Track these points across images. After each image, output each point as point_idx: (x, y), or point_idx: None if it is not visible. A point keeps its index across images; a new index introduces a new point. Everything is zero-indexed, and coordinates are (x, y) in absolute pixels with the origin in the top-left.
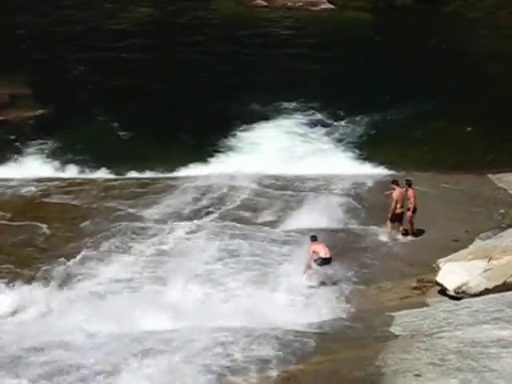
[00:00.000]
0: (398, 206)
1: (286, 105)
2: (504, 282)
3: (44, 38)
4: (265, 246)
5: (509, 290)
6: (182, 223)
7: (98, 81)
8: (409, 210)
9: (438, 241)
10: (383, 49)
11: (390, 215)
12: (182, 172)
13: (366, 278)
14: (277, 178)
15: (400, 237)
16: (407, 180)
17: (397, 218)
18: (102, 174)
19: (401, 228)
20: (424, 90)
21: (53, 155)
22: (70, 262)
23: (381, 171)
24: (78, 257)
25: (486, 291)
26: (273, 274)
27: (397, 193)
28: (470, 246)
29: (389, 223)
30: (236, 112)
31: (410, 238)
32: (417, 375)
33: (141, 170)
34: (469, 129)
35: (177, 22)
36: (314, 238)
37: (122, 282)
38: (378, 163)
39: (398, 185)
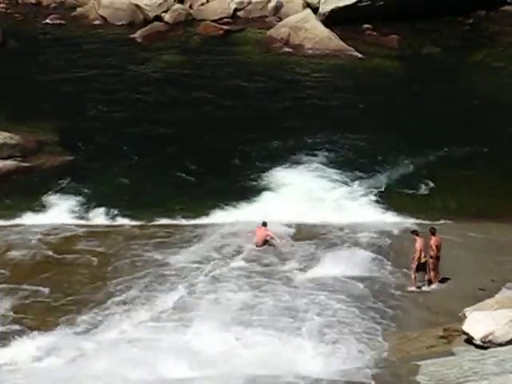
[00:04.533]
0: (422, 255)
1: (311, 151)
2: None
3: (71, 85)
4: (290, 294)
5: None
6: (208, 270)
7: (124, 127)
8: (431, 257)
9: (464, 290)
10: (409, 97)
11: (414, 266)
12: (208, 219)
13: (392, 327)
14: (302, 225)
15: (425, 286)
16: (431, 228)
17: (422, 268)
18: (128, 220)
19: (426, 277)
20: (449, 137)
21: (79, 202)
22: (96, 309)
23: (407, 220)
24: (104, 303)
25: None
26: (298, 322)
27: (420, 242)
28: (497, 296)
29: (414, 273)
30: (260, 158)
31: (434, 286)
32: None
33: (166, 216)
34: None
35: (204, 68)
36: (263, 224)
37: (148, 329)
38: (404, 211)
39: (417, 235)
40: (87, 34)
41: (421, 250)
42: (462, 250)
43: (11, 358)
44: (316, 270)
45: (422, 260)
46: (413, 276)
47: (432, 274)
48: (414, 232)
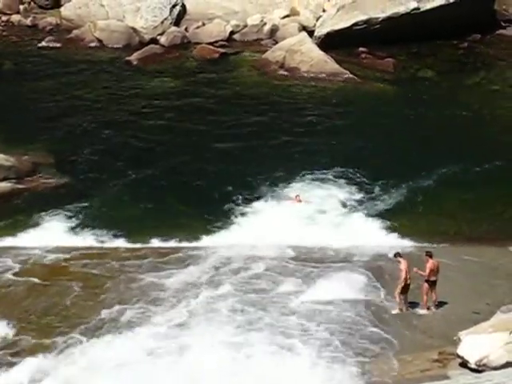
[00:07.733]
0: (408, 276)
1: (307, 175)
2: None
3: (66, 107)
4: (285, 317)
5: None
6: (203, 293)
7: (118, 150)
8: (426, 281)
9: (459, 313)
10: (405, 120)
11: (398, 288)
12: (203, 241)
13: (387, 350)
14: (298, 248)
15: (418, 308)
16: (427, 252)
17: (408, 290)
18: (123, 242)
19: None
20: (447, 160)
21: (73, 224)
22: (92, 331)
23: (402, 242)
24: (99, 326)
25: (508, 364)
26: (292, 344)
27: (404, 264)
28: (491, 319)
29: (398, 296)
30: (256, 181)
31: (423, 311)
32: None
33: (161, 239)
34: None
35: (199, 91)
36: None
37: (143, 351)
38: (399, 234)
39: (400, 256)
40: (83, 57)
41: (406, 272)
42: (457, 274)
43: (8, 380)
44: (311, 293)
45: (408, 281)
46: (397, 298)
47: (424, 298)
48: (397, 254)
